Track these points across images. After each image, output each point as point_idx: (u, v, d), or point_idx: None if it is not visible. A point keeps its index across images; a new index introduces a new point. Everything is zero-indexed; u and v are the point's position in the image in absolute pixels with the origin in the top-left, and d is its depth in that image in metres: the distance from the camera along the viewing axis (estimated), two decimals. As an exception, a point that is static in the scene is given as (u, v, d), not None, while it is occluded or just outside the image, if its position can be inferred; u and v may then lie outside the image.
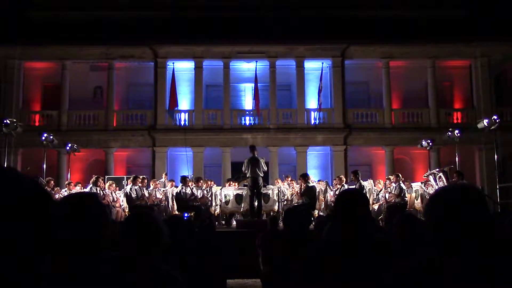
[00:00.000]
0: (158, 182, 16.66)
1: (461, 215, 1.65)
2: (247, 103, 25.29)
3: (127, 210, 15.03)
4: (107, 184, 15.62)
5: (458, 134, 17.88)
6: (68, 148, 19.04)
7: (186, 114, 24.28)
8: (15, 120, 16.65)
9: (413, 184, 16.54)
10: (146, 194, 15.13)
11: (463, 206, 1.67)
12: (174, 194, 15.41)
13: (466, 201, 1.69)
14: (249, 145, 15.49)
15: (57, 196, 14.53)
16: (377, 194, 15.50)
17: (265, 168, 14.39)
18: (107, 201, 14.49)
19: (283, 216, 6.82)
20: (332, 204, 12.54)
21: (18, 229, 1.07)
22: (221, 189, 16.25)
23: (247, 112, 24.52)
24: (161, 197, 15.78)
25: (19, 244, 1.07)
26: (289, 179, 17.39)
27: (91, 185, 14.79)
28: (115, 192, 15.46)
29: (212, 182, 17.16)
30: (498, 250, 1.69)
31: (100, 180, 15.18)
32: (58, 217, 1.19)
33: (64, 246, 1.79)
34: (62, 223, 1.80)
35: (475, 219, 1.65)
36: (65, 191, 15.60)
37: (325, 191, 15.79)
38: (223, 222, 15.69)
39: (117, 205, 15.11)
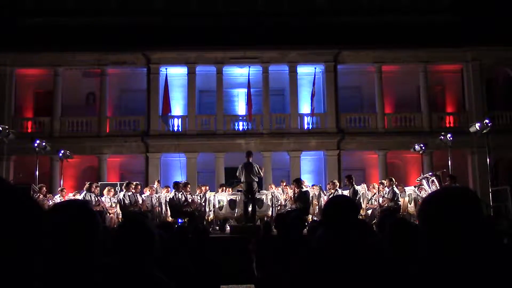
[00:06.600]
0: (153, 188, 16.64)
1: (455, 217, 1.66)
2: (240, 108, 25.30)
3: (120, 217, 14.99)
4: (105, 190, 15.62)
5: (451, 138, 17.96)
6: (60, 154, 18.98)
7: (179, 120, 24.25)
8: (7, 127, 16.58)
9: (407, 188, 16.56)
10: (140, 200, 15.11)
11: (457, 208, 1.67)
12: (168, 200, 15.38)
13: (460, 202, 1.69)
14: (243, 150, 15.51)
15: (50, 202, 14.49)
16: (371, 198, 15.53)
17: (261, 174, 14.42)
18: (102, 207, 14.47)
19: (274, 221, 6.83)
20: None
21: (6, 238, 1.07)
22: (214, 194, 16.23)
23: (240, 118, 24.51)
24: (155, 203, 15.75)
25: (7, 253, 1.06)
26: (284, 184, 17.40)
27: (85, 191, 14.76)
28: (112, 197, 15.49)
29: (207, 188, 17.17)
30: (494, 251, 1.70)
31: (94, 186, 15.13)
32: (48, 225, 1.18)
33: (55, 254, 1.78)
34: (52, 231, 1.79)
35: (469, 220, 1.66)
36: (59, 197, 15.55)
37: (319, 196, 15.79)
38: (217, 227, 15.67)
39: (111, 211, 15.08)
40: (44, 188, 16.04)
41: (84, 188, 14.99)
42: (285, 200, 15.85)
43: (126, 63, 24.50)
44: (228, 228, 14.97)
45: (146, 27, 23.72)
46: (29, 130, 23.62)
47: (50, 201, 15.02)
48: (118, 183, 19.41)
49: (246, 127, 24.19)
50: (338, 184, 15.44)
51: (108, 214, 14.67)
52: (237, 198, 15.14)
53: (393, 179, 15.24)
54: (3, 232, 1.06)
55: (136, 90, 24.91)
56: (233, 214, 15.29)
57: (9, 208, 1.10)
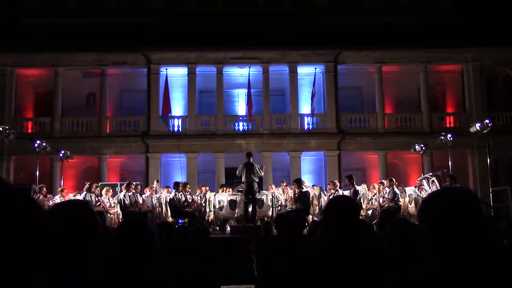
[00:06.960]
0: (153, 188, 16.64)
1: (454, 217, 1.66)
2: (241, 108, 25.30)
3: (120, 217, 14.99)
4: (103, 190, 15.60)
5: (451, 138, 17.96)
6: (61, 155, 18.99)
7: (180, 120, 24.26)
8: (7, 127, 16.57)
9: (407, 189, 16.56)
10: (140, 201, 15.11)
11: (457, 208, 1.67)
12: (168, 201, 15.38)
13: (460, 202, 1.69)
14: (243, 151, 15.52)
15: (50, 203, 14.49)
16: (371, 199, 15.54)
17: (262, 173, 14.43)
18: (102, 207, 14.47)
19: (274, 222, 6.84)
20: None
21: (6, 239, 1.07)
22: (215, 195, 16.23)
23: (241, 118, 24.51)
24: (155, 203, 15.75)
25: (8, 254, 1.06)
26: (284, 184, 17.41)
27: (85, 191, 14.77)
28: (112, 197, 15.49)
29: (207, 188, 17.17)
30: (493, 251, 1.70)
31: (94, 186, 15.13)
32: (47, 226, 1.18)
33: (55, 254, 1.78)
34: (52, 232, 1.79)
35: (469, 220, 1.66)
36: (59, 197, 15.55)
37: (319, 196, 15.80)
38: (217, 228, 15.67)
39: (112, 211, 15.08)
40: (45, 189, 16.03)
41: (84, 189, 15.00)
42: (286, 200, 15.85)
43: (126, 63, 24.50)
44: (228, 228, 14.97)
45: (146, 27, 23.73)
46: (30, 131, 23.63)
47: (50, 201, 15.01)
48: (118, 183, 19.41)
49: (246, 128, 24.19)
50: (338, 184, 15.44)
51: (108, 214, 14.67)
52: (237, 199, 15.15)
53: (394, 179, 15.25)
54: (3, 233, 1.06)
55: (136, 90, 24.91)
56: (233, 214, 15.30)
57: (10, 208, 1.10)
